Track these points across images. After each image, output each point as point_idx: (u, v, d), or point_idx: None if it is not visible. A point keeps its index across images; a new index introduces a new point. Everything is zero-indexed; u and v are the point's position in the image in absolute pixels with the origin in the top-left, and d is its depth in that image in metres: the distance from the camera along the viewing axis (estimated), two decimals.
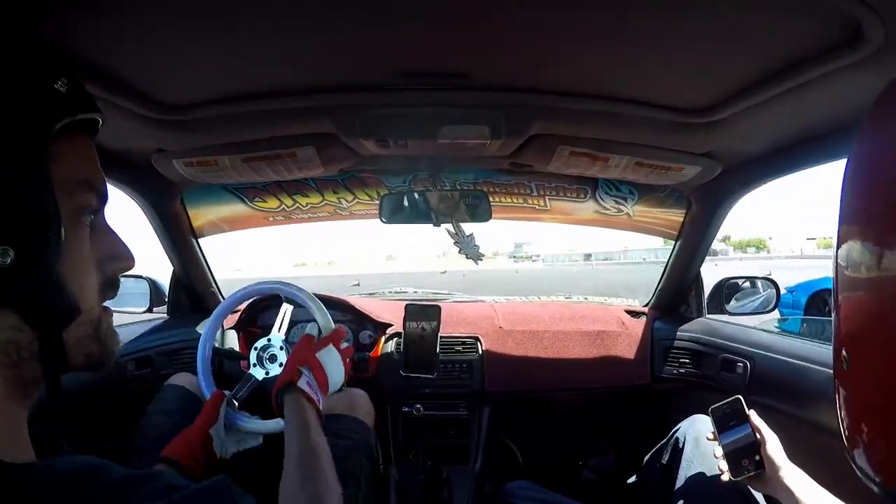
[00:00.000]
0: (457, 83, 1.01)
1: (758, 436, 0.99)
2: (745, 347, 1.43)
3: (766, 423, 1.03)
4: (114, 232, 0.50)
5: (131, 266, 0.51)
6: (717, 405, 1.06)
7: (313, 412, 0.89)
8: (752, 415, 1.02)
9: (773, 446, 0.98)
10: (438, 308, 1.57)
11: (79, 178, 0.45)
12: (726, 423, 1.03)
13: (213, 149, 1.24)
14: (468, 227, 1.53)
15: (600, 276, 25.98)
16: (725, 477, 1.00)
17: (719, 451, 1.02)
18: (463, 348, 1.71)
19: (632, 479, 1.42)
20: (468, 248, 1.52)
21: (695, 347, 1.61)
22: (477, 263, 1.56)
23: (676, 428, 1.25)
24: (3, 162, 0.39)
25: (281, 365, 1.24)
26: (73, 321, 0.44)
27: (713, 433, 1.05)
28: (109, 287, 0.49)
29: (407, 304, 1.59)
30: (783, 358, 1.29)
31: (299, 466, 0.74)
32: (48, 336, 0.42)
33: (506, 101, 1.07)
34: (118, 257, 0.50)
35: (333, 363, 1.00)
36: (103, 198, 0.48)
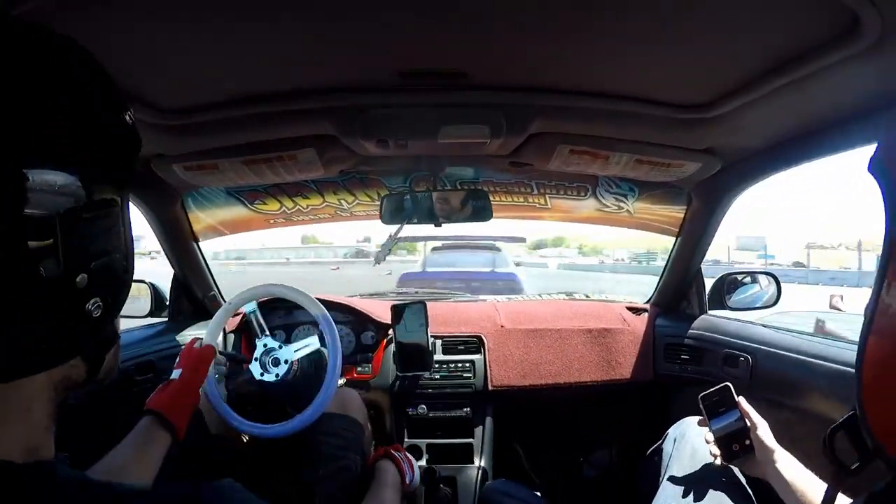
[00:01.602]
0: (456, 83, 1.02)
1: (747, 421, 1.01)
2: (746, 343, 1.43)
3: (769, 417, 1.03)
4: None
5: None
6: (706, 392, 1.07)
7: (398, 485, 1.09)
8: (741, 401, 1.04)
9: (763, 430, 1.00)
10: (424, 304, 1.58)
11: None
12: (716, 409, 1.05)
13: (212, 152, 1.24)
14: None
15: None
16: (718, 461, 1.01)
17: (710, 437, 1.03)
18: (465, 348, 1.71)
19: (629, 479, 1.42)
20: (381, 252, 1.59)
21: (697, 344, 1.61)
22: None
23: (666, 434, 1.24)
24: (104, 220, 0.39)
25: (286, 361, 1.26)
26: (112, 347, 0.45)
27: (703, 418, 1.06)
28: None
29: (392, 305, 1.59)
30: (785, 353, 1.29)
31: None
32: (95, 366, 0.43)
33: (505, 100, 1.07)
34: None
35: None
36: None
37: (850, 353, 1.12)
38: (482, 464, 1.63)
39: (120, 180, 0.41)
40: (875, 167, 0.42)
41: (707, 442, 1.04)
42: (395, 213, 1.50)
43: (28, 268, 0.34)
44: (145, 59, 0.85)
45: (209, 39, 0.81)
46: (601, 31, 0.80)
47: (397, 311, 1.58)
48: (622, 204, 1.79)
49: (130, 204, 0.46)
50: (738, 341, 1.46)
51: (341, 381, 1.36)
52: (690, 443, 1.12)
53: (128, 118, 0.42)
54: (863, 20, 0.69)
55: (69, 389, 0.41)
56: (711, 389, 1.07)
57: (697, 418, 1.14)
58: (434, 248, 7.64)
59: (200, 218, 1.71)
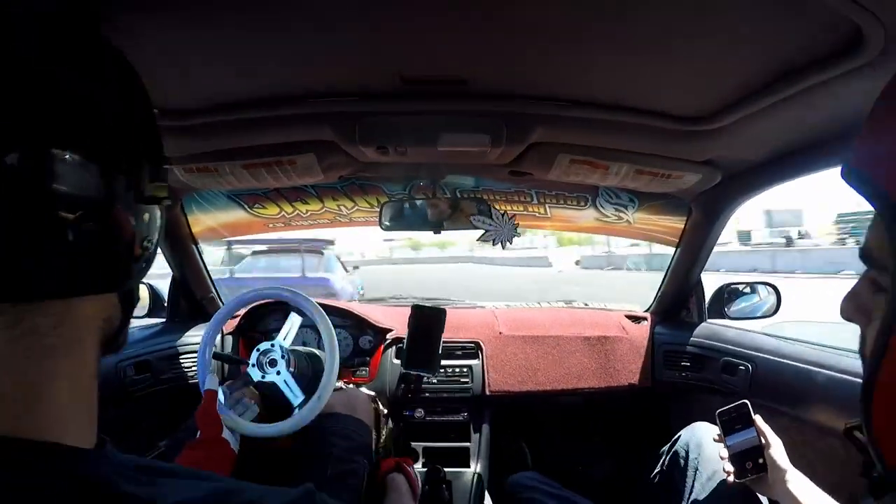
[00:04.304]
0: (456, 91, 1.01)
1: (762, 439, 1.00)
2: (746, 351, 1.43)
3: (769, 425, 1.03)
4: None
5: None
6: (724, 408, 1.07)
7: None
8: (758, 419, 1.03)
9: (776, 450, 0.99)
10: (444, 311, 1.57)
11: None
12: (732, 425, 1.04)
13: (212, 155, 1.24)
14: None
15: None
16: (731, 478, 1.00)
17: (724, 453, 1.03)
18: (463, 353, 1.70)
19: (633, 486, 1.41)
20: (501, 232, 1.51)
21: (696, 351, 1.61)
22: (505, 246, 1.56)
23: (677, 436, 1.24)
24: (162, 171, 0.43)
25: (279, 373, 1.24)
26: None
27: (719, 435, 1.06)
28: None
29: (414, 304, 1.59)
30: (785, 361, 1.29)
31: None
32: (126, 318, 0.45)
33: (505, 108, 1.07)
34: None
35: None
36: None
37: (850, 361, 1.12)
38: (478, 468, 1.62)
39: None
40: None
41: (721, 458, 1.04)
42: (395, 219, 1.50)
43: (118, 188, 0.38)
44: (146, 61, 0.84)
45: (210, 43, 0.81)
46: (603, 41, 0.80)
47: (419, 310, 1.57)
48: (622, 214, 1.79)
49: None
50: (738, 349, 1.46)
51: (339, 384, 1.35)
52: (708, 450, 1.12)
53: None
54: (865, 33, 0.69)
55: (108, 337, 0.43)
56: (729, 406, 1.06)
57: (710, 426, 1.14)
58: (255, 252, 7.56)
59: (200, 220, 1.71)
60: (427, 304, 1.57)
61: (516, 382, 1.69)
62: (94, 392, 0.41)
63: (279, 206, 1.78)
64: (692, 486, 1.13)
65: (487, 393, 1.67)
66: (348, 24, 0.77)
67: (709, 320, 1.71)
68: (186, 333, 1.66)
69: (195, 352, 1.32)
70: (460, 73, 0.95)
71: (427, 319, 1.54)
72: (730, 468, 1.01)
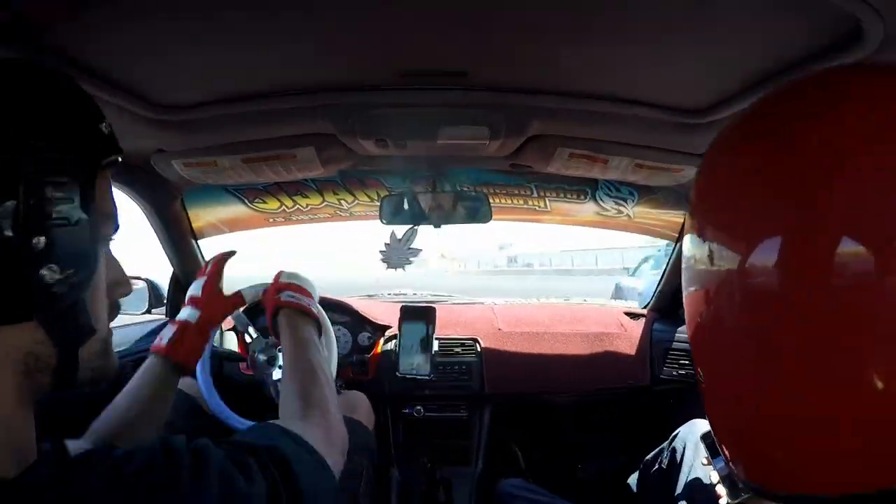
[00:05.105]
0: (455, 83, 1.02)
1: None
2: None
3: None
4: (117, 259, 0.54)
5: (129, 292, 0.55)
6: (707, 431, 1.06)
7: (309, 325, 0.89)
8: None
9: None
10: (433, 309, 1.57)
11: (106, 211, 0.48)
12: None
13: (212, 149, 1.24)
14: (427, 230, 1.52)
15: None
16: (724, 501, 0.99)
17: (715, 476, 1.02)
18: (462, 350, 1.70)
19: (631, 482, 1.41)
20: (395, 255, 1.53)
21: None
22: (396, 270, 1.57)
23: (676, 433, 1.24)
24: (64, 193, 0.41)
25: (280, 367, 1.24)
26: (89, 339, 0.46)
27: (707, 458, 1.05)
28: (113, 310, 0.53)
29: (402, 306, 1.59)
30: None
31: (298, 387, 0.72)
32: (67, 352, 0.44)
33: (505, 101, 1.07)
34: (121, 283, 0.54)
35: (304, 278, 1.01)
36: (117, 229, 0.52)
37: None
38: (479, 466, 1.62)
39: (87, 154, 0.44)
40: None
41: (712, 482, 1.03)
42: (395, 213, 1.50)
43: None
44: (146, 54, 0.84)
45: (210, 36, 0.81)
46: (603, 33, 0.80)
47: (407, 311, 1.57)
48: (622, 208, 1.79)
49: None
50: None
51: (338, 382, 1.35)
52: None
53: (104, 127, 0.47)
54: (864, 27, 0.69)
55: (40, 372, 0.42)
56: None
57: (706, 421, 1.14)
58: None
59: (200, 215, 1.71)
60: (415, 304, 1.58)
61: (515, 379, 1.69)
62: (19, 422, 0.41)
63: (279, 201, 1.77)
64: (690, 483, 1.13)
65: (486, 390, 1.67)
66: (349, 17, 0.77)
67: None
68: None
69: None
70: (460, 66, 0.95)
71: (417, 319, 1.54)
72: (722, 491, 1.00)
